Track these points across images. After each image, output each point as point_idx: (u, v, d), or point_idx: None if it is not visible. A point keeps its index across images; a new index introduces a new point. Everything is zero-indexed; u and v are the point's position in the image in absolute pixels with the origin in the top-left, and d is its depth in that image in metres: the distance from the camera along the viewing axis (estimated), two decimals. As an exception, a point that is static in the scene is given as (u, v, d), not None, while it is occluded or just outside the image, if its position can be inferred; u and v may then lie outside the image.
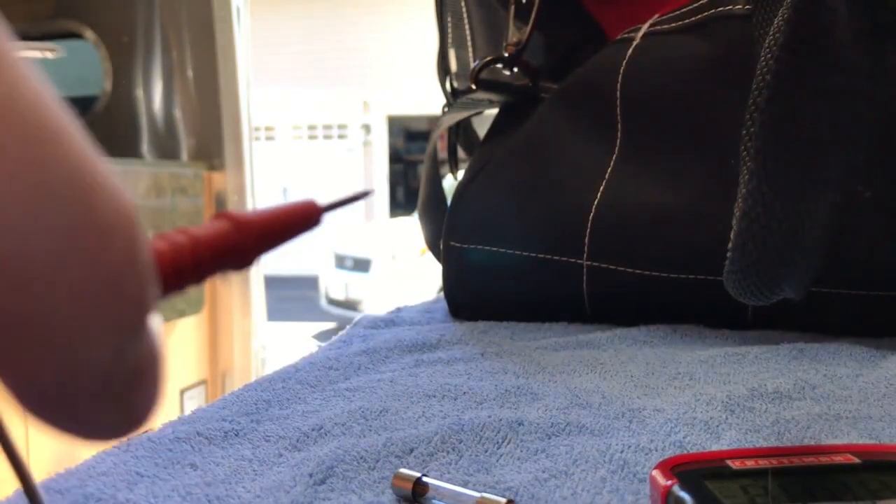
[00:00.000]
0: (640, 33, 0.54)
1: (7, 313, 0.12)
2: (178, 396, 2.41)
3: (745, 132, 0.33)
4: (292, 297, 5.78)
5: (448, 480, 0.27)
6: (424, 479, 0.25)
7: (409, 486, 0.25)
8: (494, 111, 0.65)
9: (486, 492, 0.26)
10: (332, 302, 4.94)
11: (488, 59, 0.61)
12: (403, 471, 0.26)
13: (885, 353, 0.42)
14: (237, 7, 1.73)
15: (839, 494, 0.23)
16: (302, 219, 0.18)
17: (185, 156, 1.78)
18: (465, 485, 0.27)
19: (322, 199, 0.19)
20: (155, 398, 0.15)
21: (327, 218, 0.19)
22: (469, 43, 0.69)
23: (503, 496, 0.25)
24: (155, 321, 0.15)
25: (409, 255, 4.30)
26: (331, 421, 0.34)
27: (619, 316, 0.52)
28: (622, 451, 0.29)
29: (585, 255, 0.53)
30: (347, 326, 0.57)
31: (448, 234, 0.59)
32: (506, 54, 0.60)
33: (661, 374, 0.40)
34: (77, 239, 0.12)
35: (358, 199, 0.20)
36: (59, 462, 0.31)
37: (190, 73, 1.76)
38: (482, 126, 0.69)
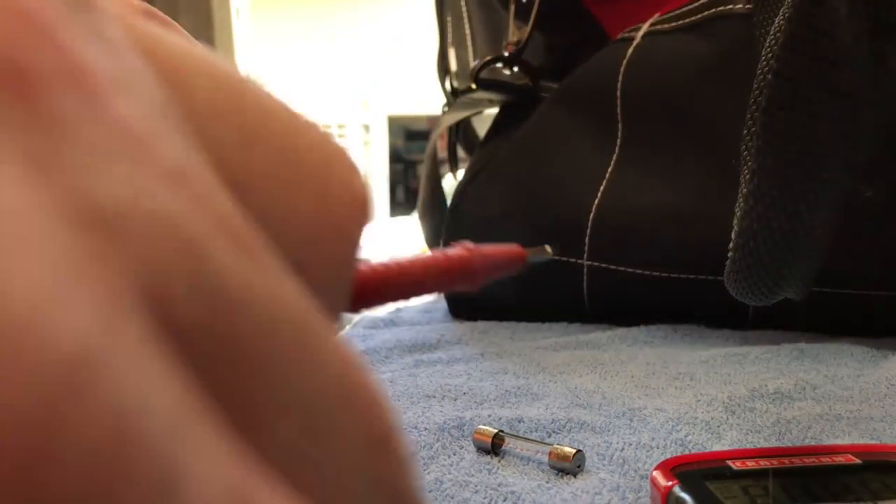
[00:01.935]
0: (641, 33, 0.54)
1: None
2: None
3: (745, 132, 0.33)
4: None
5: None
6: (501, 433, 0.30)
7: (489, 439, 0.30)
8: (495, 111, 0.65)
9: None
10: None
11: (488, 58, 0.60)
12: (482, 427, 0.31)
13: (886, 353, 0.42)
14: (236, 7, 1.73)
15: (840, 495, 0.23)
16: (511, 261, 0.22)
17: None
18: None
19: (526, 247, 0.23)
20: None
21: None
22: (469, 42, 0.69)
23: (571, 447, 0.28)
24: None
25: (408, 254, 4.28)
26: (331, 421, 0.34)
27: (619, 316, 0.52)
28: (622, 450, 0.29)
29: (586, 255, 0.53)
30: (347, 326, 0.57)
31: (448, 234, 0.59)
32: (506, 53, 0.60)
33: (661, 375, 0.40)
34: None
35: (541, 262, 0.25)
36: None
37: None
38: (482, 126, 0.69)
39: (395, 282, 0.18)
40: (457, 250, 0.21)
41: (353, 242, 0.11)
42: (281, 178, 0.10)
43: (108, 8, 0.08)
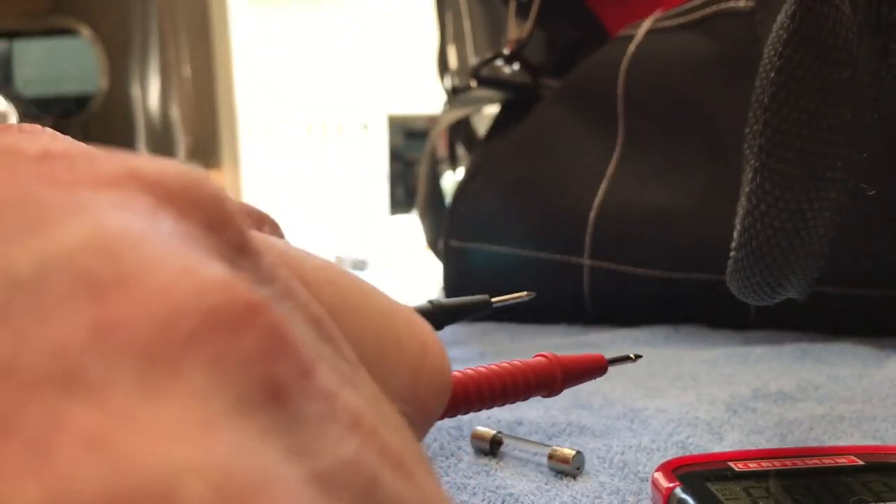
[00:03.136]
0: (642, 30, 0.54)
1: None
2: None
3: (748, 130, 0.33)
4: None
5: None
6: (500, 434, 0.30)
7: (487, 440, 0.30)
8: (495, 109, 0.64)
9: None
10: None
11: (489, 55, 0.60)
12: (480, 428, 0.30)
13: (890, 353, 0.41)
14: (235, 5, 1.73)
15: (842, 497, 0.23)
16: (593, 369, 0.25)
17: (181, 154, 1.77)
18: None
19: (607, 355, 0.26)
20: None
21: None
22: (469, 39, 0.69)
23: (571, 448, 0.28)
24: None
25: (408, 253, 4.28)
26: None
27: (620, 316, 0.52)
28: (623, 453, 0.29)
29: (587, 255, 0.52)
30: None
31: (448, 233, 0.59)
32: (506, 51, 0.60)
33: (663, 375, 0.40)
34: None
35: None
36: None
37: (186, 71, 1.75)
38: (482, 124, 0.68)
39: (477, 393, 0.21)
40: (538, 360, 0.23)
41: (434, 418, 0.14)
42: (383, 364, 0.12)
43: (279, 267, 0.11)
